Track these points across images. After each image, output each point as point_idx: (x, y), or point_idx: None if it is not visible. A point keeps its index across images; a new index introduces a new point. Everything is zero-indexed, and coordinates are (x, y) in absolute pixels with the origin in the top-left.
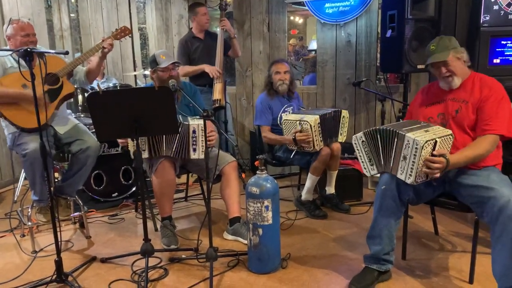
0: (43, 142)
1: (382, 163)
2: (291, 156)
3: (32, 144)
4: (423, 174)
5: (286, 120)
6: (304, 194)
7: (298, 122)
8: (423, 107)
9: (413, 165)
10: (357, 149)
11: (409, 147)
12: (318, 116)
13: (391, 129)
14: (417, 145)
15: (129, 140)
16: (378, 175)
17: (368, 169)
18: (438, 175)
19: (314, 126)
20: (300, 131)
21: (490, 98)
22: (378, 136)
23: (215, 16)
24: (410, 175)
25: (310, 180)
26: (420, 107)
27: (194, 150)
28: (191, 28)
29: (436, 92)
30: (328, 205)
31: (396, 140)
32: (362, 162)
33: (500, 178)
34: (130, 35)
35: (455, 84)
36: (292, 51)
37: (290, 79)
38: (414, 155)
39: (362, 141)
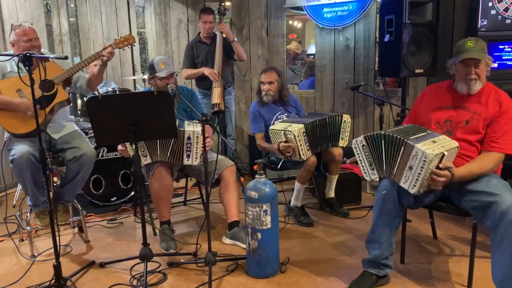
0: (42, 148)
1: (384, 168)
2: (278, 166)
3: (19, 150)
4: (426, 184)
5: (273, 129)
6: (292, 200)
7: (282, 132)
8: (430, 109)
9: (418, 176)
10: (357, 153)
11: (416, 158)
12: (303, 125)
13: (398, 136)
14: (425, 158)
15: (129, 147)
16: (378, 179)
17: (369, 174)
18: (440, 187)
19: (298, 136)
20: (285, 141)
21: (503, 115)
22: (382, 142)
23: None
24: (414, 185)
25: (296, 188)
26: (426, 109)
27: (188, 156)
28: (199, 33)
29: (446, 96)
30: (327, 209)
31: (402, 148)
32: (362, 166)
33: (501, 183)
34: (134, 44)
35: (474, 89)
36: (293, 54)
37: (276, 88)
38: (422, 167)
39: (363, 145)
